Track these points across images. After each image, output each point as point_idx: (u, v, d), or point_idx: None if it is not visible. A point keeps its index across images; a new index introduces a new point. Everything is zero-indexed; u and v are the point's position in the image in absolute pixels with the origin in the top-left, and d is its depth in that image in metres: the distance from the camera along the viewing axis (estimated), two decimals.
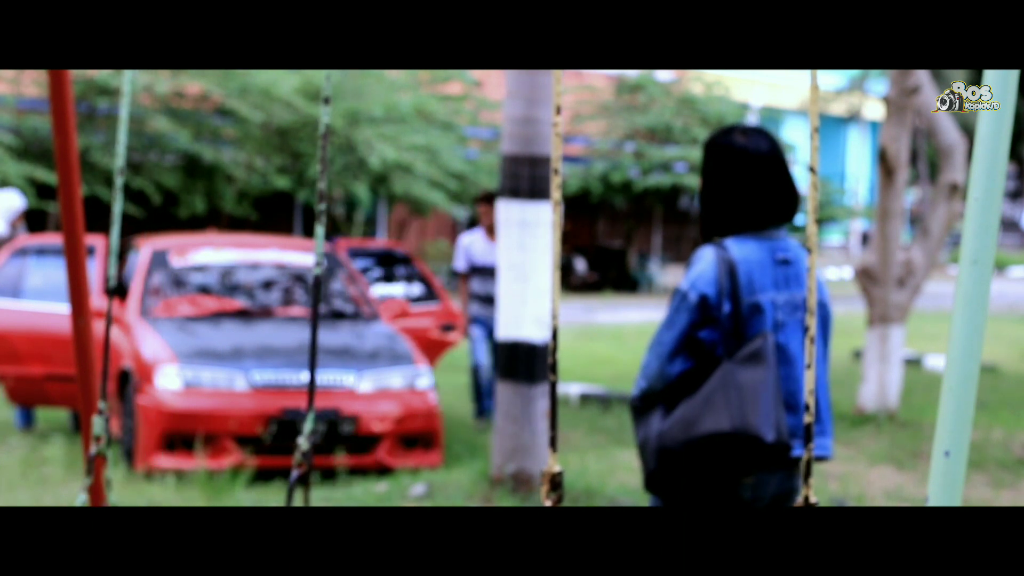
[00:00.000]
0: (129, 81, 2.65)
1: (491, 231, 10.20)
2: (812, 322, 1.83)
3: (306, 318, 9.49)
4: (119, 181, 2.77)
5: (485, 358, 10.15)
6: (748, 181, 3.81)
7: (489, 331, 10.04)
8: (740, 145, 3.83)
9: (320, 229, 2.45)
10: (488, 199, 10.26)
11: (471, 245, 10.35)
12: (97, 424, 2.80)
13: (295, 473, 2.48)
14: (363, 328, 9.48)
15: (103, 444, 2.81)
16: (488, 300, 10.08)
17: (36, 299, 9.44)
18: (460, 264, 10.40)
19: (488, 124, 24.82)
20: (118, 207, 2.76)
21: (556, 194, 1.83)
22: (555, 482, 1.82)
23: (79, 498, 2.76)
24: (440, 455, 8.71)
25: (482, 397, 10.26)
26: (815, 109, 1.81)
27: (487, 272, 10.08)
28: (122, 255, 10.16)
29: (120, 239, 10.74)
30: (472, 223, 29.18)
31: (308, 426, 2.50)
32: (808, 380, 1.82)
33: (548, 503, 1.83)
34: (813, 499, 1.84)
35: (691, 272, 3.78)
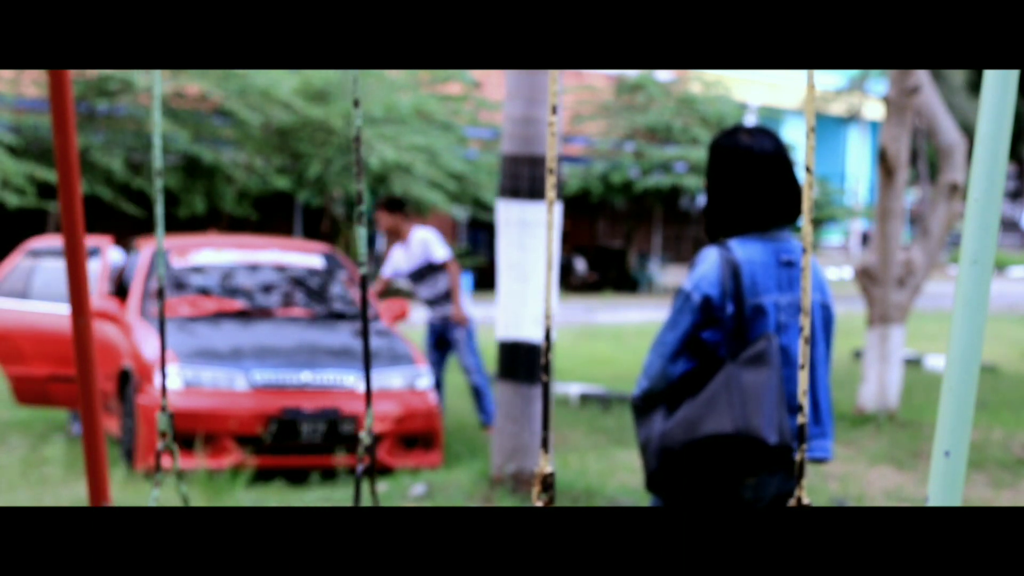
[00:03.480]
0: (159, 82, 2.64)
1: (393, 235, 9.94)
2: (806, 322, 1.82)
3: (305, 318, 9.50)
4: (159, 183, 2.76)
5: (440, 381, 9.77)
6: (753, 182, 3.81)
7: (438, 337, 9.78)
8: (745, 146, 3.83)
9: (362, 230, 2.48)
10: (385, 205, 9.92)
11: (393, 257, 10.05)
12: (162, 420, 2.85)
13: (360, 467, 2.54)
14: None
15: (169, 439, 2.87)
16: (430, 303, 9.82)
17: (42, 300, 9.45)
18: (384, 270, 10.20)
19: (488, 124, 24.82)
20: (160, 208, 2.77)
21: (551, 193, 1.83)
22: (547, 483, 1.83)
23: (152, 495, 2.83)
24: (440, 455, 8.71)
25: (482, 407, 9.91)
26: (811, 109, 1.81)
27: (415, 276, 9.82)
28: None
29: (121, 239, 10.74)
30: (472, 223, 29.16)
31: (368, 420, 2.55)
32: (801, 381, 1.81)
33: (539, 504, 1.83)
34: (806, 500, 1.84)
35: (695, 273, 3.77)
